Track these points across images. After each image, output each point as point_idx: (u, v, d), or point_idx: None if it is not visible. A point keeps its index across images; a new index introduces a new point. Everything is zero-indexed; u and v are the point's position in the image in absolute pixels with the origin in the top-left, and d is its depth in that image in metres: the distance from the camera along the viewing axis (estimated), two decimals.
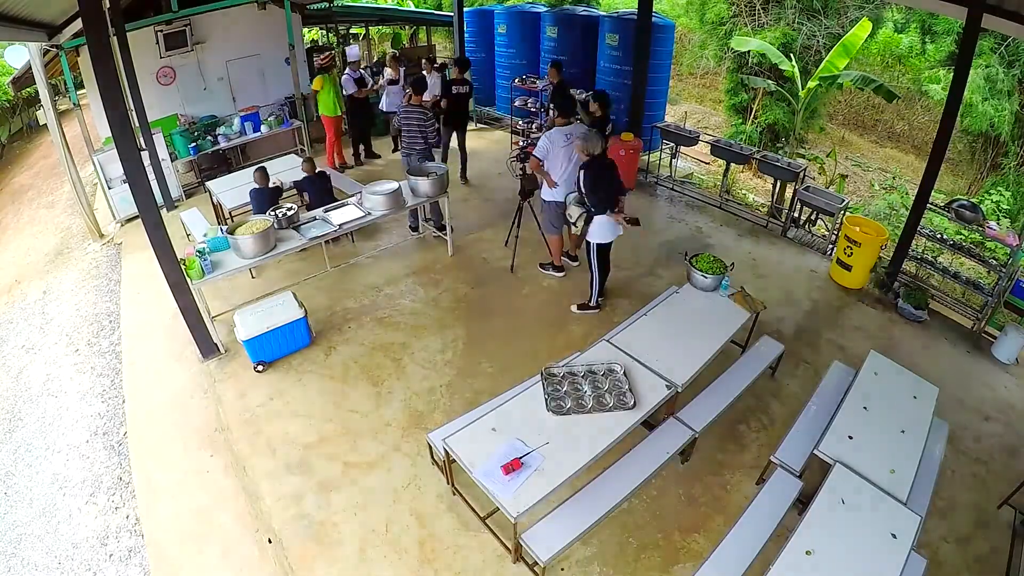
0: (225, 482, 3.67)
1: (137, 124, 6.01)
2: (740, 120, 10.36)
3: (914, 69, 9.93)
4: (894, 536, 2.60)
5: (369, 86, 8.21)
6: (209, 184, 6.55)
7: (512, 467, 2.81)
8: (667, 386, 3.34)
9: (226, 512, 3.48)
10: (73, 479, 3.81)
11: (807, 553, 2.49)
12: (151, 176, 5.70)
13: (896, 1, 9.27)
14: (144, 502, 3.58)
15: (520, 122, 8.93)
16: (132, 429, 4.12)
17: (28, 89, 11.91)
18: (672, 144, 7.46)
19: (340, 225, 5.04)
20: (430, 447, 3.51)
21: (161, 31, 7.47)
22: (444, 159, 7.17)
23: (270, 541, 3.28)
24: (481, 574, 3.08)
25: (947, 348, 4.93)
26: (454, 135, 7.49)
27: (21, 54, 7.44)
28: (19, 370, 4.94)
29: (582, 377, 3.36)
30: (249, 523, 3.40)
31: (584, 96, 7.31)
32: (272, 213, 4.97)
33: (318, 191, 5.77)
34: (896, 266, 5.53)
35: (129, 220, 6.93)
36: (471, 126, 8.47)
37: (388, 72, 8.27)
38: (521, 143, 8.01)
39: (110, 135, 4.33)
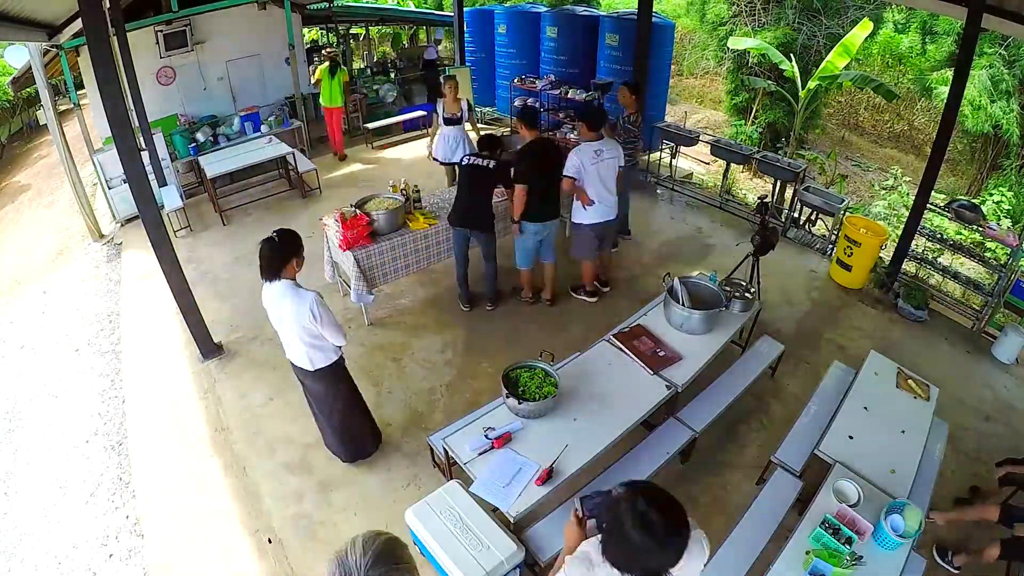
0: (225, 482, 3.67)
1: (137, 124, 6.00)
2: (740, 120, 10.37)
3: (915, 69, 9.90)
4: None
5: None
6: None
7: (505, 438, 2.95)
8: (667, 386, 3.34)
9: (226, 512, 3.48)
10: (73, 479, 3.81)
11: (807, 554, 2.49)
12: (151, 176, 5.70)
13: (896, 1, 9.27)
14: (144, 502, 3.58)
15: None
16: (132, 429, 4.12)
17: (28, 89, 11.87)
18: (672, 144, 7.45)
19: None
20: (431, 449, 3.50)
21: (161, 31, 7.46)
22: None
23: (270, 541, 3.28)
24: None
25: (947, 348, 4.93)
26: None
27: (21, 54, 7.42)
28: (19, 370, 4.95)
29: None
30: (249, 523, 3.40)
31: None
32: None
33: None
34: (896, 266, 5.53)
35: (129, 220, 6.92)
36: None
37: None
38: None
39: (110, 135, 4.33)
